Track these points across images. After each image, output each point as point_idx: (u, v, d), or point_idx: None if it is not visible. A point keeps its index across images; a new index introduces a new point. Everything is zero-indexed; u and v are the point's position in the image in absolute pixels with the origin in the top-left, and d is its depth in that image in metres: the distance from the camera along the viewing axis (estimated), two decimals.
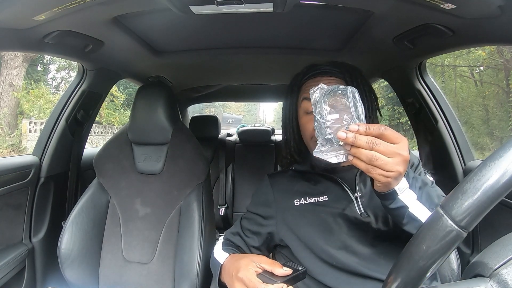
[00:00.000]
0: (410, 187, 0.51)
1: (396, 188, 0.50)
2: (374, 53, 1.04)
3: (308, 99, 0.66)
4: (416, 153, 1.28)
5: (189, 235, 0.91)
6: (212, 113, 2.66)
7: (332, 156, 0.48)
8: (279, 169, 0.84)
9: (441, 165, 1.12)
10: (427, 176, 0.71)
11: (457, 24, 0.69)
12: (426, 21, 0.72)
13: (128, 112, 3.57)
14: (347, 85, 0.64)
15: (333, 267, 0.62)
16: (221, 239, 0.79)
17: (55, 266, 0.93)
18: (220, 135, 2.20)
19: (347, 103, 0.47)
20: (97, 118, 1.70)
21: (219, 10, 0.67)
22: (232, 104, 21.73)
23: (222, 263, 0.68)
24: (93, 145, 6.83)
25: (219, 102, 13.58)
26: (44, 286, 1.13)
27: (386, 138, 0.45)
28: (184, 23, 0.86)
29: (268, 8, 0.68)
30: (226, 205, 1.98)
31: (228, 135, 2.39)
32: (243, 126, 2.43)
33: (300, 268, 0.56)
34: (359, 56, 1.06)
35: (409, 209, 0.52)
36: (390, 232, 0.62)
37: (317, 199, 0.67)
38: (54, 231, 1.14)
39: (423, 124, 1.19)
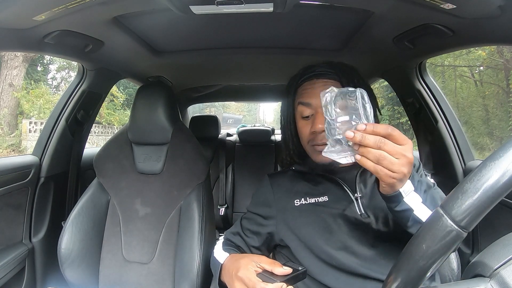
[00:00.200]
0: (415, 190, 0.52)
1: (401, 190, 0.50)
2: (374, 53, 1.04)
3: (303, 103, 0.67)
4: (416, 153, 1.28)
5: (189, 235, 0.91)
6: (212, 113, 2.67)
7: (341, 157, 0.49)
8: (279, 169, 0.85)
9: (441, 165, 1.12)
10: (428, 178, 0.71)
11: (457, 24, 0.69)
12: (426, 21, 0.72)
13: (128, 112, 3.57)
14: (342, 86, 0.65)
15: (333, 267, 0.61)
16: (221, 239, 0.79)
17: (55, 266, 0.93)
18: (220, 135, 2.20)
19: (356, 104, 0.48)
20: (97, 118, 1.70)
21: (219, 10, 0.67)
22: (232, 104, 21.74)
23: (222, 262, 0.68)
24: (93, 145, 6.83)
25: (219, 102, 13.59)
26: (44, 286, 1.13)
27: (393, 139, 0.46)
28: (184, 23, 0.86)
29: (268, 8, 0.68)
30: (226, 205, 1.98)
31: (228, 135, 2.39)
32: (243, 126, 2.43)
33: (300, 268, 0.56)
34: (359, 56, 1.06)
35: (414, 212, 0.52)
36: (390, 233, 0.62)
37: (317, 200, 0.67)
38: (54, 231, 1.14)
39: (423, 124, 1.19)
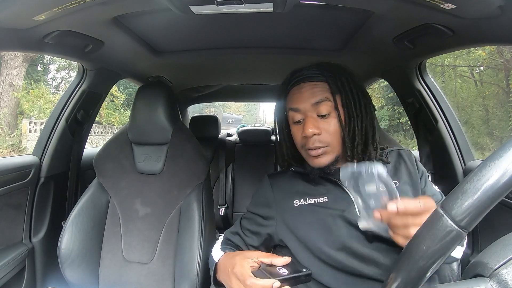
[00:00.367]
0: None
1: None
2: (374, 53, 1.04)
3: (293, 109, 0.67)
4: (416, 153, 1.28)
5: (189, 235, 0.91)
6: (212, 113, 2.66)
7: (378, 228, 0.53)
8: (279, 169, 0.85)
9: (441, 165, 1.12)
10: (434, 187, 0.71)
11: (457, 24, 0.69)
12: (426, 21, 0.72)
13: (128, 112, 3.57)
14: (330, 87, 0.65)
15: (332, 267, 0.61)
16: (221, 238, 0.79)
17: (55, 266, 0.93)
18: (220, 135, 2.20)
19: (376, 182, 0.52)
20: (97, 118, 1.70)
21: (219, 10, 0.67)
22: (232, 104, 21.73)
23: (217, 261, 0.68)
24: (93, 145, 6.83)
25: (219, 102, 13.59)
26: (44, 286, 1.13)
27: (424, 214, 0.47)
28: (184, 23, 0.86)
29: (268, 8, 0.68)
30: (226, 205, 1.98)
31: (228, 135, 2.39)
32: (243, 126, 2.43)
33: (303, 270, 0.54)
34: (359, 56, 1.06)
35: None
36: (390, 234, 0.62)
37: (317, 200, 0.67)
38: (54, 231, 1.14)
39: (423, 124, 1.19)
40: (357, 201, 0.55)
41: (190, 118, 2.16)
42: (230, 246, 0.75)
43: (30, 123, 7.67)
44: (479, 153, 6.61)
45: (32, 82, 9.23)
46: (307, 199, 0.68)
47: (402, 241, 0.48)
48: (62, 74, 10.87)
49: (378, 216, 0.49)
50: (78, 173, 1.29)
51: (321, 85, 0.65)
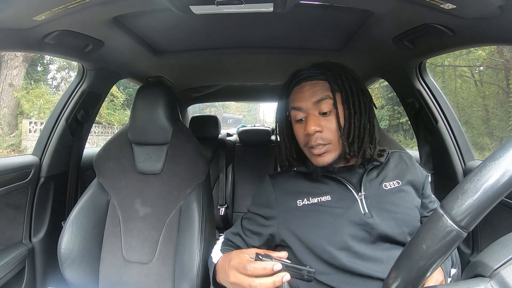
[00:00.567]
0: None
1: None
2: (374, 53, 1.04)
3: (295, 108, 0.68)
4: (416, 153, 1.28)
5: (189, 235, 0.91)
6: (212, 113, 2.66)
7: None
8: (279, 169, 0.85)
9: (441, 165, 1.12)
10: (433, 199, 0.74)
11: (457, 24, 0.69)
12: (426, 21, 0.72)
13: (128, 112, 3.56)
14: (330, 85, 0.65)
15: (334, 267, 0.61)
16: (221, 239, 0.79)
17: (55, 266, 0.93)
18: (220, 135, 2.20)
19: None
20: (97, 118, 1.70)
21: (219, 10, 0.67)
22: (232, 104, 21.74)
23: (216, 262, 0.68)
24: (93, 145, 6.83)
25: (219, 102, 13.59)
26: (44, 286, 1.13)
27: None
28: (184, 23, 0.86)
29: (268, 8, 0.68)
30: (226, 205, 1.98)
31: (228, 135, 2.39)
32: (243, 126, 2.43)
33: (307, 266, 0.51)
34: (359, 56, 1.06)
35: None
36: (393, 233, 0.62)
37: (320, 199, 0.67)
38: (54, 231, 1.14)
39: (423, 124, 1.18)
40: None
41: (190, 118, 2.16)
42: (231, 247, 0.75)
43: (30, 123, 7.67)
44: (479, 153, 6.61)
45: (32, 82, 9.23)
46: (310, 198, 0.68)
47: None
48: (62, 74, 10.88)
49: None
50: (78, 173, 1.29)
51: (322, 83, 0.67)
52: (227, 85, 1.90)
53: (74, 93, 1.20)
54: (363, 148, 0.66)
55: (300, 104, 0.67)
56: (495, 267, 0.30)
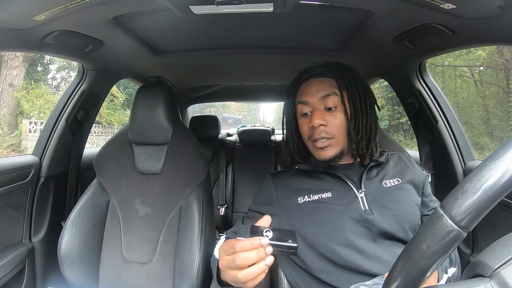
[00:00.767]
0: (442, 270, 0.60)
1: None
2: (374, 53, 1.04)
3: (302, 102, 0.70)
4: (416, 153, 1.28)
5: (189, 235, 0.91)
6: (212, 113, 2.66)
7: None
8: (279, 169, 0.85)
9: (441, 165, 1.12)
10: (433, 199, 0.74)
11: (457, 24, 0.69)
12: (426, 21, 0.72)
13: (128, 112, 3.56)
14: (337, 84, 0.68)
15: (336, 265, 0.62)
16: (223, 238, 0.79)
17: (55, 266, 0.93)
18: (220, 135, 2.20)
19: None
20: (97, 118, 1.70)
21: (219, 10, 0.67)
22: (232, 104, 21.74)
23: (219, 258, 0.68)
24: (93, 145, 6.83)
25: (219, 102, 13.58)
26: (44, 286, 1.13)
27: None
28: (184, 23, 0.86)
29: (268, 8, 0.68)
30: (226, 205, 1.98)
31: (228, 135, 2.39)
32: (243, 126, 2.43)
33: (289, 241, 0.46)
34: (359, 56, 1.06)
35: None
36: (393, 230, 0.63)
37: (321, 196, 0.68)
38: (54, 231, 1.14)
39: (423, 124, 1.18)
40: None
41: (190, 118, 2.16)
42: None
43: (30, 123, 7.67)
44: (479, 153, 6.61)
45: (32, 82, 9.22)
46: (311, 195, 0.68)
47: None
48: (62, 74, 10.87)
49: None
50: (78, 173, 1.29)
51: (329, 81, 0.69)
52: (227, 85, 1.90)
53: (74, 93, 1.20)
54: (370, 146, 0.69)
55: (307, 98, 0.69)
56: (495, 267, 0.30)
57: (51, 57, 8.47)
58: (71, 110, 1.20)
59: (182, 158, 1.02)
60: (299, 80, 0.74)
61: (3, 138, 7.50)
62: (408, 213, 0.66)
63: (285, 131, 0.78)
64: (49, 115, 1.24)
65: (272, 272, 0.79)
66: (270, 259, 0.43)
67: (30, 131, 7.58)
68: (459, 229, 0.29)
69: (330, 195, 0.67)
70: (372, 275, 0.59)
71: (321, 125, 0.66)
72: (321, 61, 0.75)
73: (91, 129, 1.40)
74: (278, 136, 2.27)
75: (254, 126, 2.48)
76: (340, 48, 1.04)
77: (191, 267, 0.87)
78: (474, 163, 1.02)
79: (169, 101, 1.04)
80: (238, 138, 2.23)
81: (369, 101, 0.70)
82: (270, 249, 0.43)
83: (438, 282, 0.58)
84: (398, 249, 0.61)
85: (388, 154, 0.75)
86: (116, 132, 1.14)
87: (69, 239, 0.91)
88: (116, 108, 10.05)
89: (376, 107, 0.74)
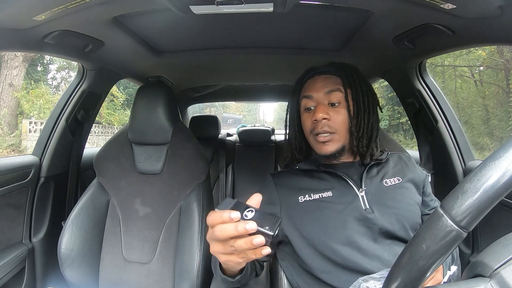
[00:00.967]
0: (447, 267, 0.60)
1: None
2: (374, 53, 1.04)
3: (307, 96, 0.71)
4: (416, 153, 1.28)
5: (189, 235, 0.91)
6: (212, 113, 2.66)
7: None
8: (279, 169, 0.85)
9: (441, 165, 1.12)
10: (433, 198, 0.75)
11: (457, 24, 0.69)
12: (426, 21, 0.72)
13: (128, 112, 3.56)
14: (343, 83, 0.69)
15: (336, 264, 0.62)
16: None
17: (55, 266, 0.93)
18: (220, 135, 2.20)
19: None
20: (97, 118, 1.70)
21: (219, 10, 0.67)
22: (232, 104, 21.73)
23: None
24: (93, 145, 6.83)
25: (219, 102, 13.58)
26: (44, 286, 1.13)
27: None
28: (184, 23, 0.86)
29: (268, 8, 0.68)
30: None
31: (228, 135, 2.39)
32: (243, 126, 2.43)
33: (266, 228, 0.41)
34: (359, 56, 1.06)
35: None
36: (394, 229, 0.63)
37: (322, 195, 0.68)
38: (54, 231, 1.14)
39: (423, 124, 1.19)
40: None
41: (190, 118, 2.16)
42: None
43: (30, 123, 7.66)
44: (479, 153, 6.61)
45: (32, 82, 9.22)
46: (312, 194, 0.69)
47: None
48: (62, 74, 10.87)
49: None
50: (78, 173, 1.29)
51: (334, 78, 0.71)
52: (227, 85, 1.90)
53: (74, 93, 1.20)
54: (371, 146, 0.69)
55: (311, 93, 0.70)
56: (495, 267, 0.30)
57: (51, 57, 8.47)
58: (71, 110, 1.20)
59: (182, 158, 1.02)
60: (305, 77, 0.75)
61: (3, 138, 7.50)
62: (409, 212, 0.66)
63: (288, 127, 0.79)
64: (49, 115, 1.24)
65: (272, 272, 0.79)
66: (258, 240, 0.39)
67: (30, 131, 7.58)
68: (459, 229, 0.29)
69: (331, 194, 0.68)
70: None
71: (324, 118, 0.67)
72: (321, 61, 0.76)
73: (91, 129, 1.40)
74: (278, 136, 2.27)
75: (254, 126, 2.48)
76: (340, 48, 1.04)
77: (191, 267, 0.87)
78: (474, 163, 1.02)
79: (169, 101, 1.04)
80: (238, 138, 2.23)
81: (372, 102, 0.71)
82: (252, 226, 0.39)
83: (443, 277, 0.58)
84: (398, 248, 0.61)
85: (388, 153, 0.76)
86: (116, 132, 1.14)
87: (69, 239, 0.91)
88: (116, 108, 10.04)
89: (378, 109, 0.75)
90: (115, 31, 0.85)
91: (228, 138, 2.27)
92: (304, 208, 0.68)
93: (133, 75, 1.41)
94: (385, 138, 1.02)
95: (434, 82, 1.13)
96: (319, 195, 0.68)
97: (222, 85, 1.89)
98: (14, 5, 0.63)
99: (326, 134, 0.68)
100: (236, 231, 0.40)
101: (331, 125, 0.67)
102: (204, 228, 0.92)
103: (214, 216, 0.43)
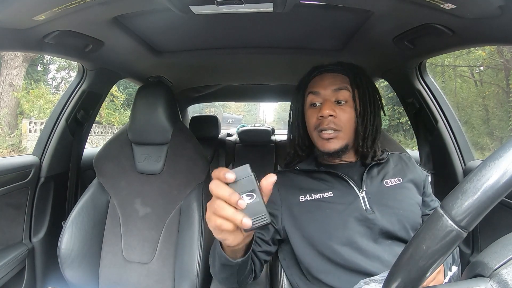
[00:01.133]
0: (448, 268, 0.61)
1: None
2: (374, 53, 1.04)
3: (313, 92, 0.71)
4: (416, 153, 1.28)
5: (189, 235, 0.91)
6: (212, 113, 2.66)
7: None
8: (279, 169, 0.85)
9: (441, 165, 1.12)
10: (433, 199, 0.75)
11: (457, 24, 0.69)
12: (426, 21, 0.72)
13: (128, 112, 3.57)
14: (350, 81, 0.70)
15: (336, 265, 0.62)
16: None
17: (55, 266, 0.93)
18: (220, 135, 2.20)
19: None
20: (97, 118, 1.70)
21: (219, 10, 0.67)
22: (232, 104, 21.73)
23: None
24: (93, 145, 6.83)
25: (219, 102, 13.59)
26: (44, 286, 1.13)
27: None
28: (184, 23, 0.86)
29: (268, 8, 0.68)
30: None
31: (228, 135, 2.40)
32: (243, 126, 2.43)
33: (259, 215, 0.41)
34: (359, 56, 1.06)
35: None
36: (394, 230, 0.63)
37: (322, 195, 0.68)
38: (54, 231, 1.14)
39: (423, 124, 1.19)
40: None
41: (190, 118, 2.16)
42: None
43: (30, 123, 7.66)
44: (479, 153, 6.61)
45: (32, 82, 9.22)
46: (312, 194, 0.69)
47: None
48: (62, 74, 10.86)
49: None
50: (78, 173, 1.29)
51: (342, 77, 0.71)
52: (227, 85, 1.90)
53: (74, 93, 1.20)
54: (374, 147, 0.70)
55: (319, 89, 0.70)
56: (495, 267, 0.30)
57: (51, 57, 8.47)
58: (71, 110, 1.20)
59: (182, 158, 1.02)
60: (312, 74, 0.75)
61: (3, 138, 7.50)
62: (410, 212, 0.66)
63: (292, 123, 0.79)
64: (49, 115, 1.24)
65: (272, 272, 0.79)
66: (246, 222, 0.39)
67: (30, 131, 7.58)
68: (459, 229, 0.29)
69: (332, 194, 0.68)
70: (372, 275, 0.59)
71: (330, 115, 0.67)
72: (321, 61, 0.76)
73: (91, 129, 1.40)
74: (278, 136, 2.27)
75: (254, 126, 2.49)
76: (340, 48, 1.04)
77: (191, 267, 0.87)
78: (474, 163, 1.02)
79: (169, 101, 1.04)
80: (238, 138, 2.23)
81: (377, 104, 0.72)
82: (242, 205, 0.40)
83: (444, 277, 0.58)
84: (399, 248, 0.61)
85: (388, 153, 0.76)
86: (116, 132, 1.14)
87: (69, 239, 0.91)
88: (116, 108, 10.04)
89: (382, 112, 0.76)
90: (115, 31, 0.85)
91: (228, 138, 2.28)
92: (304, 207, 0.68)
93: (133, 75, 1.41)
94: (385, 138, 1.02)
95: (434, 82, 1.13)
96: (320, 195, 0.68)
97: (222, 85, 1.89)
98: (14, 5, 0.63)
99: (331, 131, 0.68)
100: (229, 200, 0.41)
101: (337, 123, 0.68)
102: (204, 228, 0.92)
103: (219, 185, 0.43)
